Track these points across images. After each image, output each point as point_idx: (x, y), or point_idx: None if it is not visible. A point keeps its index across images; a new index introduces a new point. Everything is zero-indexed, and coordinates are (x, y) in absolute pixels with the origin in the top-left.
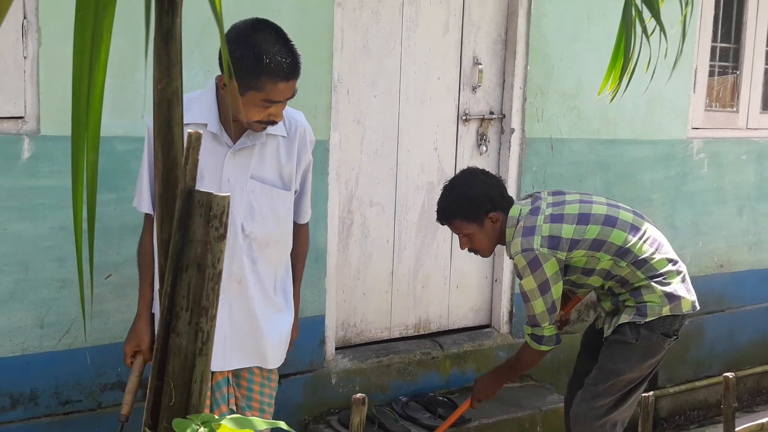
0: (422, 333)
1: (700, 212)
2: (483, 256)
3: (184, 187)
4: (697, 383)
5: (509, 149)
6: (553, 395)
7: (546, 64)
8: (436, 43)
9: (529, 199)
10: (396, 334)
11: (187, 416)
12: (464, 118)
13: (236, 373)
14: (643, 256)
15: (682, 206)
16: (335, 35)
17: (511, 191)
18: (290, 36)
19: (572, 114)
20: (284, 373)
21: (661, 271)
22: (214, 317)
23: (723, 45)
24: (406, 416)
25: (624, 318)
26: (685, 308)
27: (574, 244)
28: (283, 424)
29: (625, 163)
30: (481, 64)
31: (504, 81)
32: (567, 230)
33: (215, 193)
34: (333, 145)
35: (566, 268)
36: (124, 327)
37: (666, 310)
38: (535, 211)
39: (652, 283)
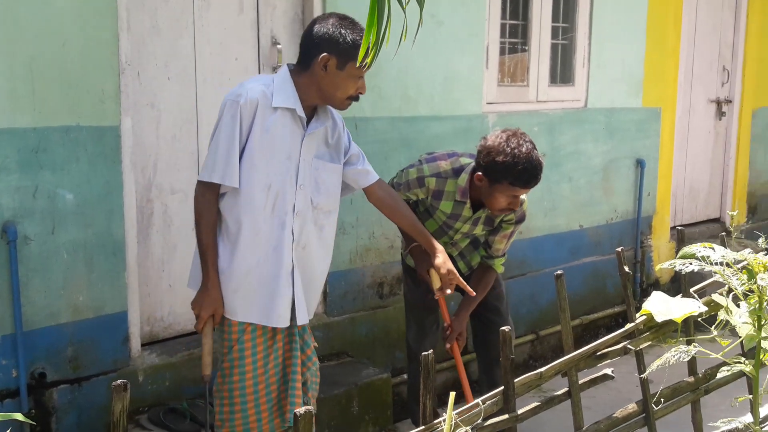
0: None
1: None
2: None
3: None
4: None
5: None
6: (368, 369)
7: None
8: (231, 23)
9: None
10: None
11: None
12: None
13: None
14: None
15: None
16: (120, 15)
17: None
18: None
19: (373, 93)
20: (86, 375)
21: None
22: None
23: (512, 22)
24: None
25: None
26: None
27: None
28: (19, 416)
29: (427, 139)
30: (279, 44)
31: None
32: None
33: None
34: (125, 131)
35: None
36: None
37: None
38: None
39: None
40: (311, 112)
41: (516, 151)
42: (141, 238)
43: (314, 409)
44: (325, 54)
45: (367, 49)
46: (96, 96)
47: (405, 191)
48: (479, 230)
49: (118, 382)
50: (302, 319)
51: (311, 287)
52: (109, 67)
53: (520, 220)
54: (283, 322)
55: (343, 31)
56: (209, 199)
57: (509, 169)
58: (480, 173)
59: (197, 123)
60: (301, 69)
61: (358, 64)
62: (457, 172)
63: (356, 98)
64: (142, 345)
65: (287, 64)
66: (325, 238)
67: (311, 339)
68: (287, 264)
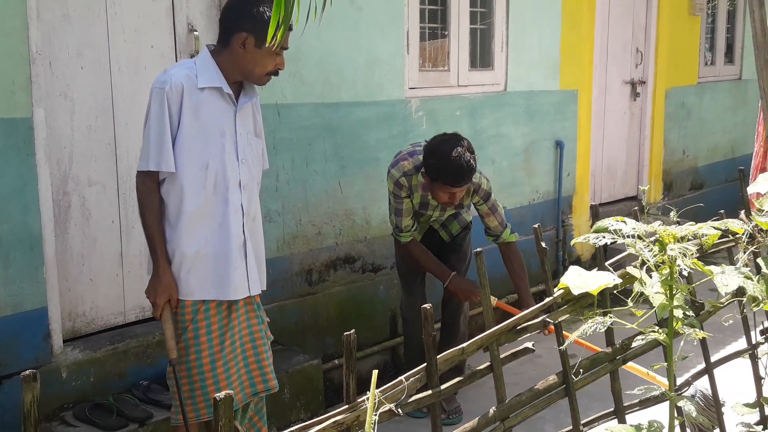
0: None
1: None
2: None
3: None
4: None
5: None
6: (299, 356)
7: None
8: (146, 9)
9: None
10: (132, 318)
11: None
12: None
13: (248, 300)
14: None
15: None
16: (29, 3)
17: None
18: None
19: (295, 79)
20: (6, 374)
21: None
22: None
23: (431, 7)
24: (148, 400)
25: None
26: None
27: None
28: None
29: (351, 125)
30: (196, 30)
31: None
32: None
33: None
34: (38, 123)
35: None
36: None
37: None
38: None
39: None
40: (238, 88)
41: (446, 154)
42: (59, 232)
43: (277, 385)
44: (243, 32)
45: (276, 28)
46: (6, 87)
47: (400, 206)
48: (449, 212)
49: (27, 372)
50: (255, 288)
51: (262, 258)
52: (18, 56)
53: (486, 196)
54: (240, 294)
55: (261, 9)
56: (150, 187)
57: (440, 171)
58: (423, 171)
59: (113, 113)
60: (221, 47)
61: (267, 44)
62: (417, 168)
63: (275, 73)
64: (65, 341)
65: (207, 45)
66: (259, 211)
67: (264, 314)
68: (237, 237)
